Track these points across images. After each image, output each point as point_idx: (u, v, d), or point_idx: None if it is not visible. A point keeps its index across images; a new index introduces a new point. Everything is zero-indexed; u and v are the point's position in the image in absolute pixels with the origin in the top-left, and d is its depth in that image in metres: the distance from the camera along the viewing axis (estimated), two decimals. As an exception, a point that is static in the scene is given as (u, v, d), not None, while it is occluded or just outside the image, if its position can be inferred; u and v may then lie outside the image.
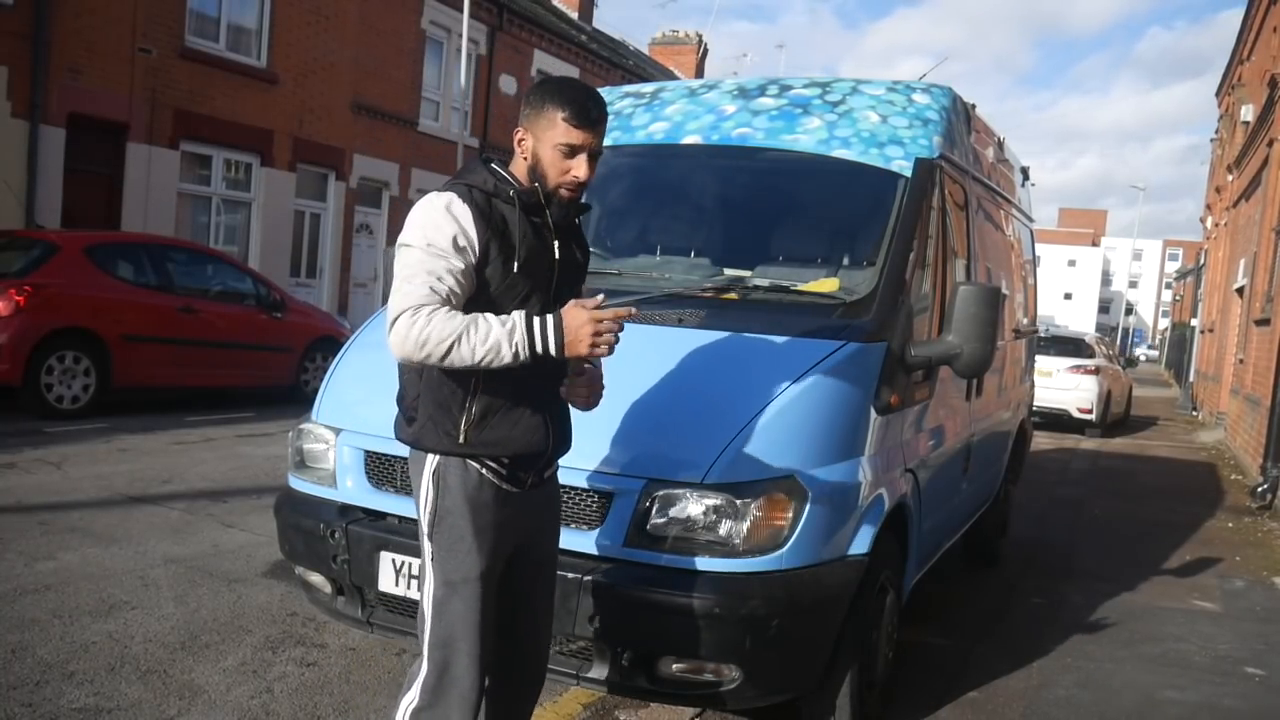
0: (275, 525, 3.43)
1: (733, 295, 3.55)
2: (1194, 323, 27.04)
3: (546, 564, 2.52)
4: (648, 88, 4.66)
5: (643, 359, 3.14)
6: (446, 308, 2.10)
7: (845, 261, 3.85)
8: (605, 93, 4.70)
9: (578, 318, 2.10)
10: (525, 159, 2.26)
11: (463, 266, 2.14)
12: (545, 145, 2.22)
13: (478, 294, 2.19)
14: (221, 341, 10.14)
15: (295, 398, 10.45)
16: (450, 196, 2.18)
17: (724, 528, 2.74)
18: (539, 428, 2.28)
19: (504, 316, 2.12)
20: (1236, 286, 15.56)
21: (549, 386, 2.33)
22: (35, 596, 4.19)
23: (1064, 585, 5.85)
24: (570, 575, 2.73)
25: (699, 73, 29.87)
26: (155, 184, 13.58)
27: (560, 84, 2.27)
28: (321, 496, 3.26)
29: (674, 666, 2.83)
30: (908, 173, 3.78)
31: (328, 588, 3.31)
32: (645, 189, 4.43)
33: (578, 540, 2.82)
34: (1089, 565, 6.44)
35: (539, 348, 2.10)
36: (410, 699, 2.31)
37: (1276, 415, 9.23)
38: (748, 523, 2.74)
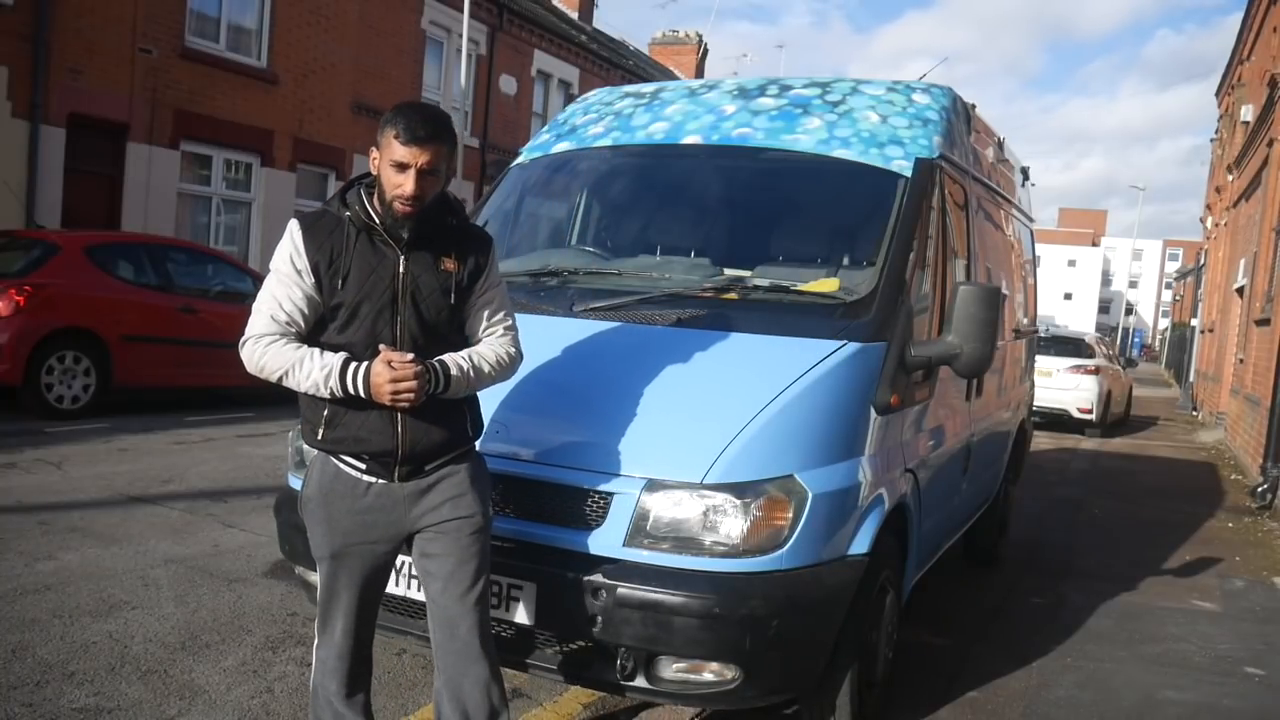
0: (275, 525, 3.43)
1: (733, 295, 3.55)
2: (1194, 323, 27.04)
3: (460, 542, 2.51)
4: (648, 88, 4.66)
5: (643, 359, 3.14)
6: (284, 339, 2.41)
7: (845, 261, 3.86)
8: (605, 93, 4.71)
9: (381, 375, 2.34)
10: (375, 175, 2.44)
11: (302, 292, 2.41)
12: (385, 163, 2.38)
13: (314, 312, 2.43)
14: (222, 341, 10.07)
15: (295, 398, 10.44)
16: (294, 220, 2.46)
17: (724, 528, 2.74)
18: (385, 428, 2.42)
19: (325, 359, 2.38)
20: (1236, 286, 15.56)
21: None
22: (35, 596, 4.19)
23: (1064, 585, 5.85)
24: (570, 575, 2.73)
25: (699, 73, 29.87)
26: (155, 184, 13.58)
27: (401, 106, 2.44)
28: (321, 496, 3.26)
29: (674, 666, 2.82)
30: (908, 173, 3.78)
31: (328, 588, 3.31)
32: (645, 189, 4.43)
33: (578, 540, 2.81)
34: (1089, 565, 6.44)
35: (350, 391, 2.37)
36: (316, 640, 2.66)
37: (1276, 415, 9.23)
38: (748, 523, 2.74)
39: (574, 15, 24.93)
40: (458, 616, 2.53)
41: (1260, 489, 9.19)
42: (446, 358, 2.48)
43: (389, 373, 2.34)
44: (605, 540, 2.79)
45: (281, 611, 4.27)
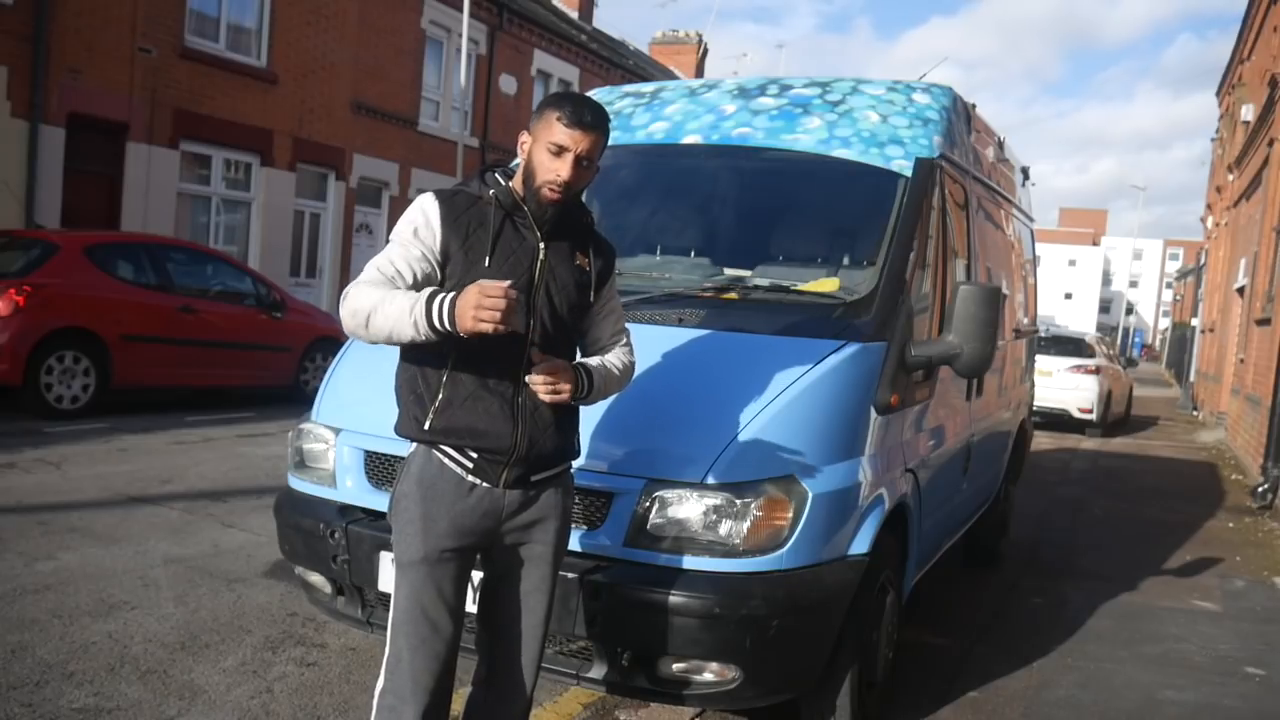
0: (275, 525, 3.43)
1: (733, 295, 3.54)
2: (1194, 322, 27.04)
3: (541, 571, 2.43)
4: (648, 87, 4.66)
5: (643, 358, 3.14)
6: (385, 285, 2.25)
7: (845, 261, 3.85)
8: (605, 92, 4.71)
9: (467, 293, 2.11)
10: (523, 160, 2.35)
11: (418, 253, 2.27)
12: (540, 145, 2.29)
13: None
14: (221, 341, 10.14)
15: (295, 398, 10.45)
16: (429, 195, 2.34)
17: (724, 527, 2.74)
18: (503, 421, 2.28)
19: (413, 294, 2.19)
20: (1237, 286, 15.56)
21: (524, 384, 2.31)
22: (35, 596, 4.19)
23: (1064, 585, 5.84)
24: (570, 575, 2.73)
25: (699, 73, 29.88)
26: (155, 184, 13.58)
27: (564, 93, 2.43)
28: (321, 496, 3.26)
29: (674, 666, 2.82)
30: (908, 172, 3.77)
31: (328, 588, 3.31)
32: (645, 189, 4.43)
33: (578, 540, 2.81)
34: (1089, 565, 6.44)
35: (435, 322, 2.14)
36: (380, 682, 2.39)
37: (1277, 415, 9.23)
38: (748, 522, 2.73)
39: (574, 15, 24.94)
40: (524, 648, 2.45)
41: (1261, 489, 9.19)
42: (586, 361, 2.43)
43: (475, 288, 2.10)
44: (606, 540, 2.79)
45: (281, 611, 4.27)
